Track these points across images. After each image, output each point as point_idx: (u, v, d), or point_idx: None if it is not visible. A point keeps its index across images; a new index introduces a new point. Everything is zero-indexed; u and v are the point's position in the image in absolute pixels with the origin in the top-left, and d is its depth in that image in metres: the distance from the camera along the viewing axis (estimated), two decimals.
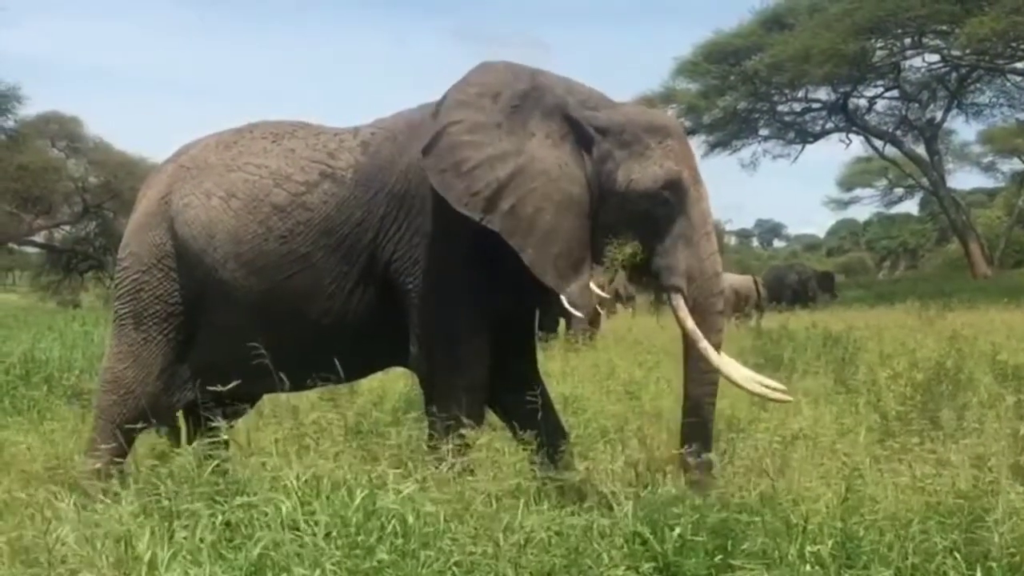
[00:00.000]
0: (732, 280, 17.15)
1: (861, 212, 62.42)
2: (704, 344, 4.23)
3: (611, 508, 3.68)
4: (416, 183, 4.42)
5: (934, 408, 5.64)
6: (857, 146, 41.23)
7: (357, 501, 3.42)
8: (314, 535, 3.25)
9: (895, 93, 37.83)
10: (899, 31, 33.06)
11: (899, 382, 6.74)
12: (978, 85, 36.84)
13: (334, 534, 3.29)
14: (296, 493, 3.49)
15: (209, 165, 4.70)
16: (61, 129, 36.57)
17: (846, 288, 34.37)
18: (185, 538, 3.36)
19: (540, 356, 5.26)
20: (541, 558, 3.29)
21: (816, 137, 39.49)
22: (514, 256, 4.26)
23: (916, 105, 37.98)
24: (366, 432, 4.66)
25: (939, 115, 38.45)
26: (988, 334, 11.11)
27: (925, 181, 39.87)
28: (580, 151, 4.38)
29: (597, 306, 12.97)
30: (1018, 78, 34.98)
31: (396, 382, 6.92)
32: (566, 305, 4.87)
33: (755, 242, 72.89)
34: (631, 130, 4.37)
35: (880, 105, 38.85)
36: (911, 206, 51.86)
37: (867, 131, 38.75)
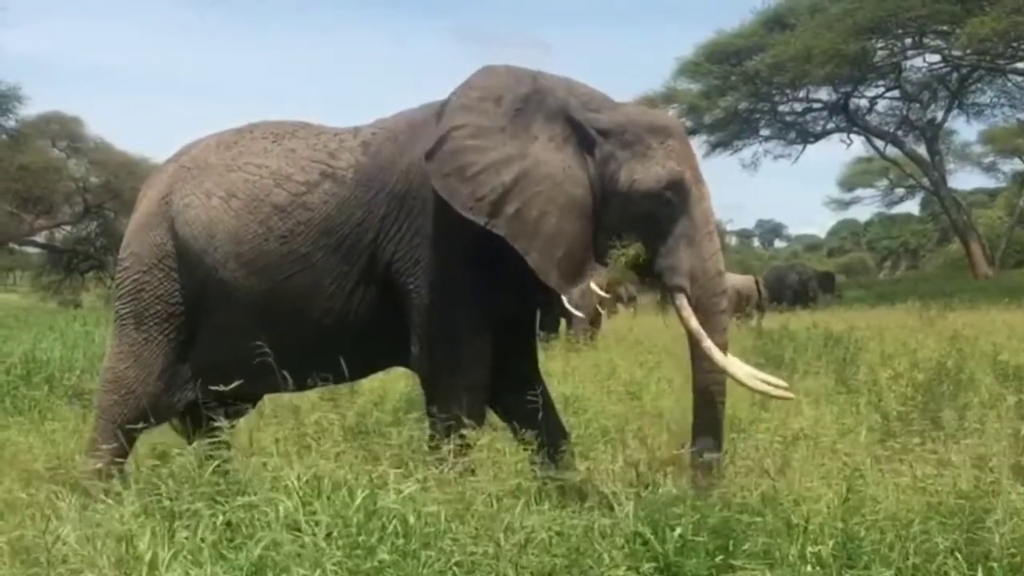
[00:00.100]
0: (733, 280, 17.12)
1: (862, 212, 62.48)
2: (708, 343, 4.23)
3: (612, 508, 3.68)
4: (417, 183, 4.42)
5: (935, 408, 5.64)
6: (858, 146, 41.33)
7: (358, 501, 3.42)
8: (315, 535, 3.25)
9: (896, 93, 37.87)
10: (900, 31, 33.07)
11: (900, 382, 6.75)
12: (979, 85, 36.86)
13: (335, 534, 3.29)
14: (297, 493, 3.50)
15: (210, 165, 4.70)
16: (62, 129, 36.60)
17: (847, 288, 34.38)
18: (186, 538, 3.36)
19: (541, 356, 5.26)
20: (542, 558, 3.29)
21: (817, 137, 39.52)
22: (516, 257, 4.26)
23: (917, 105, 38.01)
24: (367, 432, 4.66)
25: (940, 115, 38.56)
26: (989, 334, 11.12)
27: (926, 181, 39.89)
28: (583, 153, 4.38)
29: (598, 306, 12.99)
30: (1019, 78, 34.98)
31: (397, 382, 6.92)
32: (567, 306, 4.88)
33: (756, 242, 72.90)
34: (633, 131, 4.37)
35: (881, 105, 38.97)
36: (912, 206, 51.96)
37: (868, 131, 38.78)
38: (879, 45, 33.92)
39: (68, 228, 38.41)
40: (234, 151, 4.71)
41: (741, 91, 36.43)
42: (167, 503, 3.64)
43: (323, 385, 4.68)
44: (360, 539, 3.27)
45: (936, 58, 34.92)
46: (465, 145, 4.30)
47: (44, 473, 4.57)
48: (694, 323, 4.27)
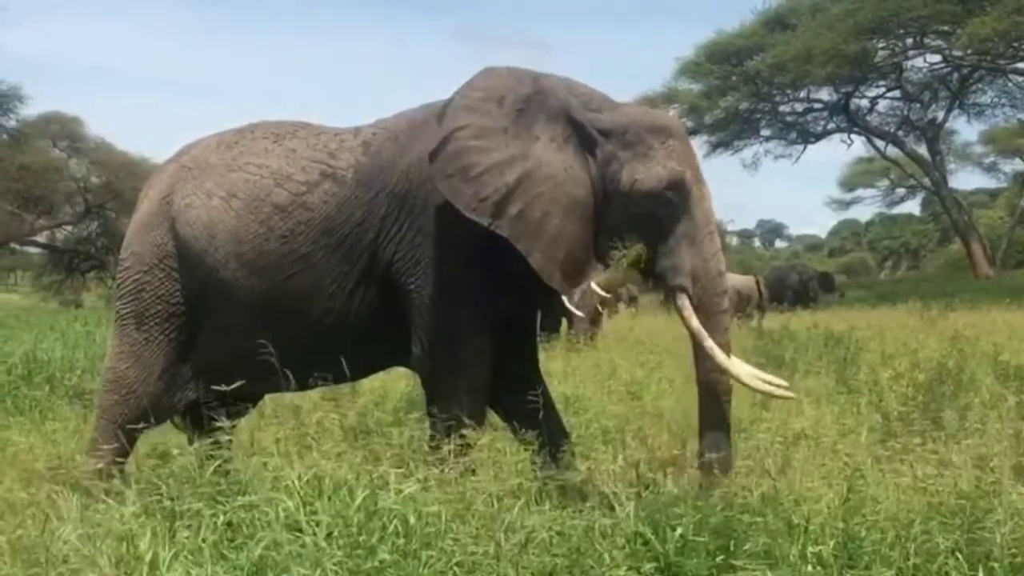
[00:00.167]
0: (734, 280, 17.14)
1: (863, 212, 62.59)
2: (709, 343, 4.23)
3: (613, 508, 3.68)
4: (417, 183, 4.43)
5: (936, 408, 5.64)
6: (859, 146, 41.31)
7: (359, 501, 3.43)
8: (315, 535, 3.25)
9: (897, 93, 37.82)
10: (901, 31, 33.04)
11: (901, 382, 6.75)
12: (980, 85, 36.82)
13: (336, 534, 3.29)
14: (298, 493, 3.50)
15: (210, 165, 4.70)
16: (62, 129, 36.60)
17: (847, 288, 34.37)
18: (187, 538, 3.36)
19: (542, 356, 5.26)
20: (543, 558, 3.29)
21: (818, 137, 39.49)
22: (516, 257, 4.26)
23: (918, 105, 37.98)
24: (368, 432, 4.67)
25: (941, 115, 38.50)
26: (990, 334, 11.12)
27: (927, 181, 39.87)
28: (584, 153, 4.39)
29: (599, 306, 12.99)
30: (1020, 78, 34.94)
31: (398, 382, 6.92)
32: (569, 306, 4.89)
33: (757, 242, 72.93)
34: (634, 131, 4.37)
35: (882, 105, 38.92)
36: (913, 206, 51.96)
37: (869, 131, 38.75)
38: (880, 45, 33.89)
39: (69, 228, 38.42)
40: (235, 151, 4.71)
41: (742, 91, 36.39)
42: (168, 503, 3.64)
43: (324, 385, 4.68)
44: (361, 539, 3.27)
45: (937, 58, 34.93)
46: (468, 146, 4.30)
47: (45, 473, 4.57)
48: (695, 323, 4.27)
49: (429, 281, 4.40)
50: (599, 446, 4.76)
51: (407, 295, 4.45)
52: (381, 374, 5.75)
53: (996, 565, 3.27)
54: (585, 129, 4.38)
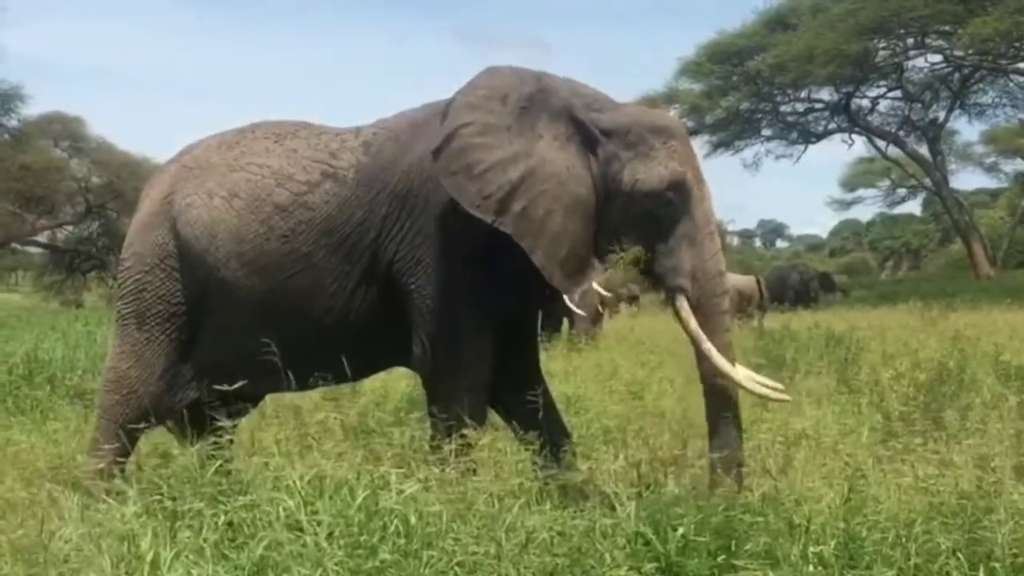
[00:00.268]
0: (735, 280, 17.12)
1: (864, 212, 62.59)
2: (707, 345, 4.22)
3: (613, 508, 3.68)
4: (418, 183, 4.43)
5: (937, 408, 5.63)
6: (860, 146, 41.40)
7: (360, 501, 3.43)
8: (316, 535, 3.25)
9: (898, 93, 37.81)
10: (902, 31, 33.03)
11: (902, 382, 6.74)
12: (981, 85, 36.81)
13: (336, 534, 3.29)
14: (299, 493, 3.49)
15: (212, 165, 4.70)
16: (64, 129, 36.62)
17: (848, 288, 34.36)
18: (188, 538, 3.36)
19: (543, 356, 5.26)
20: (543, 558, 3.29)
21: (819, 137, 39.48)
22: (517, 256, 4.26)
23: (919, 105, 37.96)
24: (369, 432, 4.66)
25: (942, 115, 38.47)
26: (991, 334, 11.11)
27: (928, 181, 39.86)
28: (586, 153, 4.39)
29: (599, 306, 13.00)
30: (1021, 78, 34.94)
31: (399, 382, 6.92)
32: (570, 305, 4.89)
33: (758, 242, 72.91)
34: (636, 131, 4.37)
35: (883, 105, 38.89)
36: (914, 206, 51.93)
37: (870, 131, 38.74)
38: (881, 45, 33.88)
39: (70, 228, 38.43)
40: (236, 151, 4.72)
41: (743, 91, 36.39)
42: (169, 503, 3.64)
43: (325, 385, 4.68)
44: (362, 539, 3.27)
45: (938, 58, 34.93)
46: (472, 143, 4.31)
47: (46, 473, 4.58)
48: (693, 324, 4.26)
49: (430, 281, 4.40)
50: (600, 446, 4.77)
51: (408, 295, 4.45)
52: (382, 374, 5.75)
53: (997, 565, 3.27)
54: (587, 128, 4.38)
